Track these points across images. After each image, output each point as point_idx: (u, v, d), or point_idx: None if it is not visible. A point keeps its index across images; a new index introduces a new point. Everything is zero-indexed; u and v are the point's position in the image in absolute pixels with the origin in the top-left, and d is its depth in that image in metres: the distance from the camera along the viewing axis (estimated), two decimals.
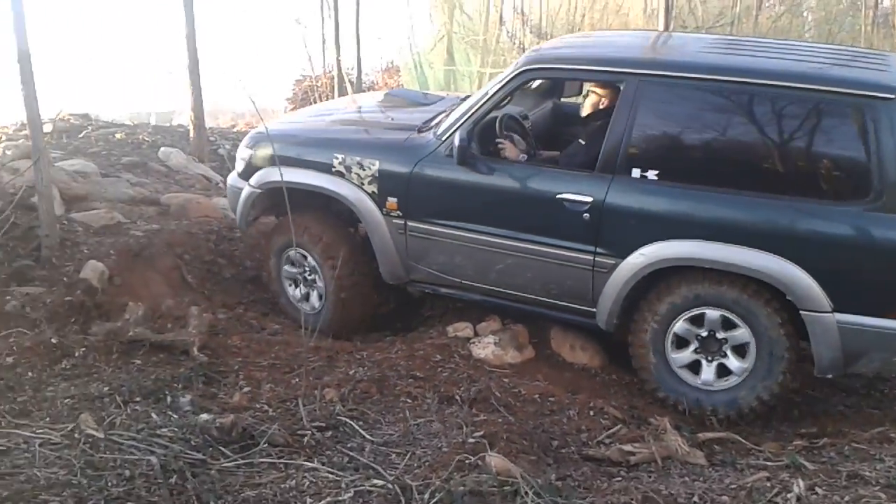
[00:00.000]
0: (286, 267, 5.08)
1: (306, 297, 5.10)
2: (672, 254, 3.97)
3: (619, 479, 3.31)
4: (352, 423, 3.53)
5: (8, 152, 6.29)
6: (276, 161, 4.70)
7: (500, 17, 13.66)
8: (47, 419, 3.38)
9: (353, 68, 12.57)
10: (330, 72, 12.73)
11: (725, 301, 3.96)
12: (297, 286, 5.13)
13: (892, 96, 3.68)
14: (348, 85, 12.09)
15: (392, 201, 4.55)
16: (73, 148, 7.49)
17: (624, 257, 4.07)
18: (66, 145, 7.57)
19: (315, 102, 14.00)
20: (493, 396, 3.90)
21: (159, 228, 5.67)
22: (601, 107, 4.56)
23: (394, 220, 4.59)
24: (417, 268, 4.69)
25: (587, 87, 5.07)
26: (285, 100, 16.55)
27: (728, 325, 4.01)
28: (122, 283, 4.96)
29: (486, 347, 4.46)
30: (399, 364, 4.21)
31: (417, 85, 13.05)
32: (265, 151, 4.88)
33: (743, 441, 3.76)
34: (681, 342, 4.14)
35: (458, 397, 3.87)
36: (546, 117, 5.34)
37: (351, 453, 3.27)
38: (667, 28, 8.83)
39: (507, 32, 13.89)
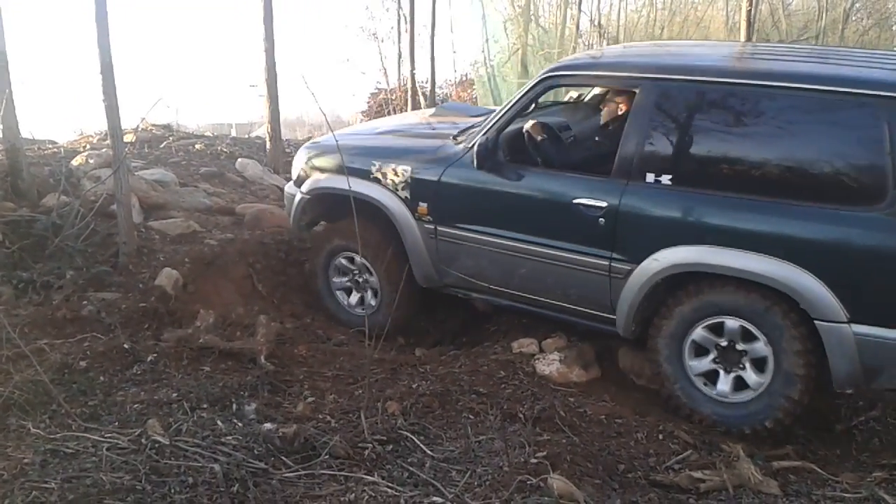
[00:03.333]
0: (340, 260, 5.22)
1: (361, 301, 5.27)
2: (683, 259, 3.94)
3: None
4: (413, 437, 3.50)
5: (91, 161, 6.52)
6: (322, 169, 5.07)
7: (577, 29, 13.55)
8: (116, 424, 3.45)
9: (427, 81, 12.68)
10: (404, 85, 12.85)
11: (741, 310, 3.87)
12: (350, 292, 5.30)
13: None
14: (421, 98, 12.18)
15: (423, 206, 4.70)
16: (153, 158, 7.73)
17: (639, 262, 4.06)
18: (148, 155, 7.81)
19: (388, 115, 14.20)
20: (557, 416, 3.81)
21: (233, 238, 5.79)
22: (619, 113, 4.65)
23: (425, 225, 4.74)
24: (448, 272, 4.81)
25: (608, 95, 5.29)
26: (360, 113, 16.82)
27: (747, 336, 3.91)
28: (195, 291, 5.07)
29: (550, 364, 4.38)
30: (462, 379, 4.17)
31: (491, 98, 13.03)
32: (315, 160, 5.19)
33: (819, 471, 3.57)
34: (699, 351, 4.09)
35: (521, 415, 3.80)
36: (594, 129, 5.34)
37: (411, 468, 3.24)
38: (748, 41, 8.60)
39: (585, 45, 13.77)
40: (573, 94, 6.04)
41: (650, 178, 4.02)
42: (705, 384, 4.08)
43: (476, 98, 13.89)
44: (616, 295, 4.18)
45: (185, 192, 6.67)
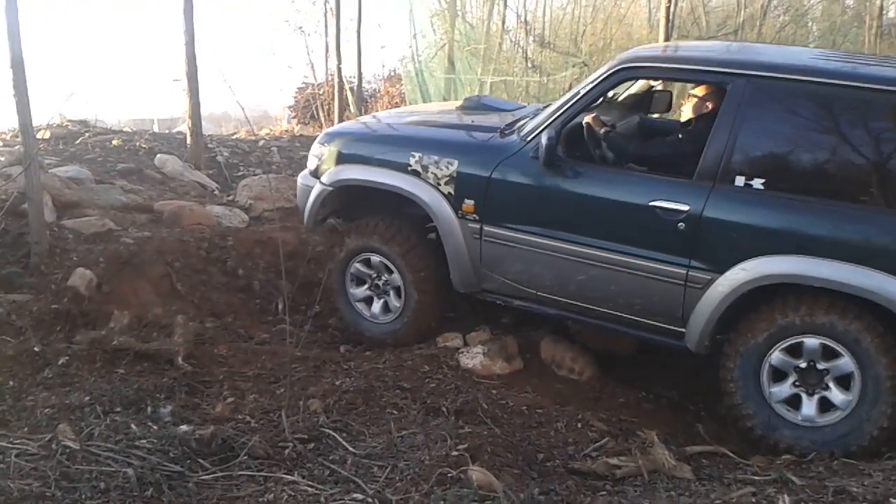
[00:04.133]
0: (358, 265, 4.87)
1: (385, 307, 4.91)
2: (777, 270, 3.67)
3: (604, 493, 3.25)
4: (335, 434, 3.48)
5: (1, 158, 6.29)
6: (350, 159, 4.69)
7: (503, 25, 13.64)
8: (25, 429, 3.34)
9: (355, 76, 12.61)
10: (332, 80, 12.74)
11: (832, 329, 3.65)
12: (363, 288, 4.95)
13: None
14: (349, 93, 12.11)
15: (469, 203, 4.36)
16: (69, 154, 7.48)
17: (722, 272, 3.78)
18: (63, 151, 7.56)
19: (317, 110, 14.05)
20: (479, 408, 3.85)
21: (150, 236, 5.64)
22: (704, 111, 4.35)
23: (469, 224, 4.39)
24: (491, 276, 4.46)
25: (688, 91, 4.88)
26: (287, 108, 16.61)
27: (830, 354, 3.71)
28: (110, 291, 4.92)
29: (474, 358, 4.42)
30: (386, 375, 4.17)
31: (419, 93, 13.02)
32: (339, 148, 4.79)
33: (731, 455, 3.69)
34: (778, 374, 3.83)
35: (444, 409, 3.83)
36: (631, 132, 5.07)
37: (332, 466, 3.22)
38: (668, 38, 8.78)
39: (511, 41, 13.88)
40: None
41: (740, 181, 3.76)
42: (788, 410, 3.83)
43: (404, 94, 13.86)
44: (690, 307, 3.90)
45: (100, 190, 6.49)
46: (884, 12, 15.00)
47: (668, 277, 3.92)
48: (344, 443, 3.42)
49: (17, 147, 6.58)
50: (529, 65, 13.09)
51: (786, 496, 3.02)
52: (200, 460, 3.16)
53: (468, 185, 4.35)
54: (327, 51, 13.78)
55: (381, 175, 4.59)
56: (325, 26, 13.56)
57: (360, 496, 2.98)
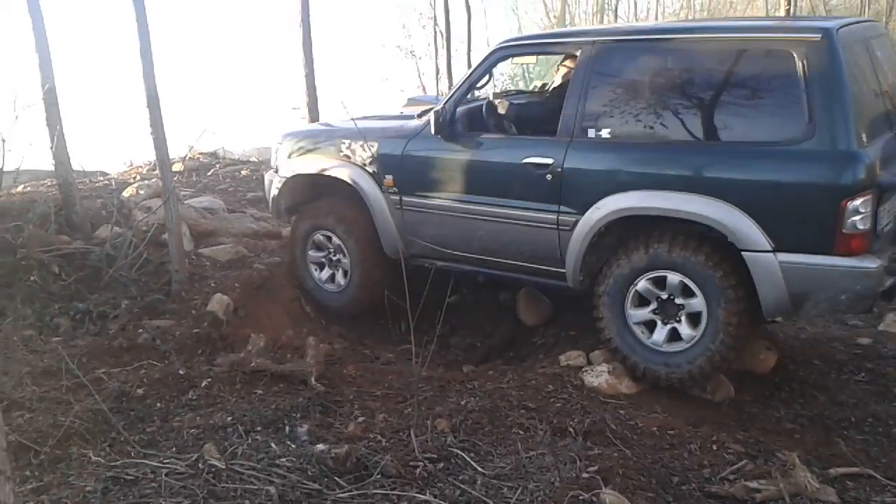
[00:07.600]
0: (311, 252, 5.61)
1: (332, 279, 5.60)
2: (621, 205, 4.23)
3: None
4: (463, 454, 3.51)
5: (141, 192, 6.70)
6: (296, 154, 5.54)
7: None
8: (174, 449, 3.54)
9: None
10: None
11: (675, 259, 4.14)
12: (322, 269, 5.64)
13: (819, 37, 3.80)
14: None
15: (389, 178, 5.10)
16: (201, 185, 7.92)
17: (583, 213, 4.37)
18: (196, 183, 8.01)
19: None
20: (608, 429, 3.79)
21: (280, 261, 5.89)
22: (567, 77, 5.14)
23: (391, 196, 5.12)
24: (414, 241, 5.16)
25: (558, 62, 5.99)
26: None
27: (684, 289, 4.18)
28: (245, 315, 5.17)
29: (599, 376, 4.35)
30: (510, 394, 4.17)
31: None
32: (288, 145, 5.64)
33: (878, 476, 3.49)
34: (641, 301, 4.35)
35: (571, 429, 3.79)
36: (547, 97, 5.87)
37: (462, 486, 3.25)
38: None
39: None
40: (538, 83, 6.47)
41: (591, 133, 4.37)
42: (643, 332, 4.36)
43: None
44: (564, 247, 4.50)
45: (233, 218, 6.81)
46: None
47: (545, 223, 4.55)
48: (473, 463, 3.45)
49: (154, 181, 7.01)
50: None
51: None
52: (336, 478, 3.26)
53: (387, 162, 5.11)
54: (437, 72, 14.01)
55: (320, 163, 5.41)
56: (435, 49, 13.81)
57: None
